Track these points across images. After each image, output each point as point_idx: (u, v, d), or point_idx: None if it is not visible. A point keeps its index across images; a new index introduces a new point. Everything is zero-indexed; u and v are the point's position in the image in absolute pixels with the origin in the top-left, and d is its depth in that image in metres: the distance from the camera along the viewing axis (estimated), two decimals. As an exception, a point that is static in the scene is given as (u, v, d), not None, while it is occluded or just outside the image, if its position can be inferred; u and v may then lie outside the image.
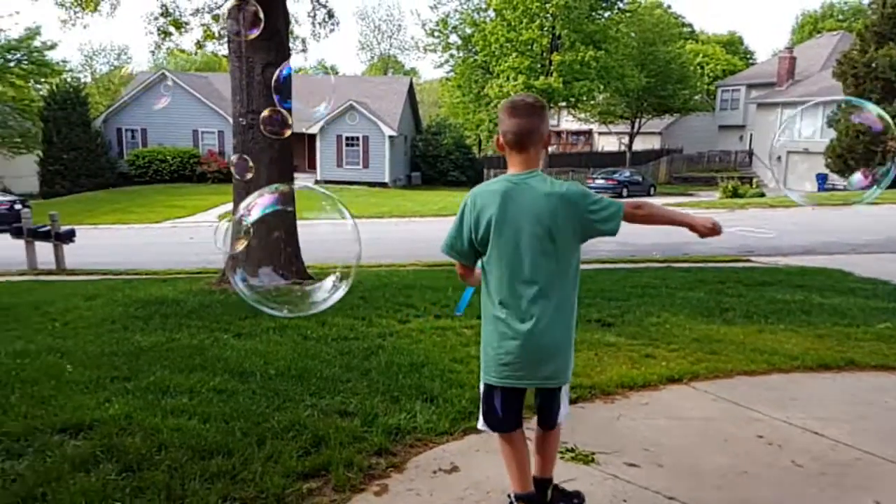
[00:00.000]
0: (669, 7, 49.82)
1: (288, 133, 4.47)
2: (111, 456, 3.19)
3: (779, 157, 38.18)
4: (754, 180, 36.76)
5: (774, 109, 38.99)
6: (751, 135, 42.96)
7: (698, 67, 49.06)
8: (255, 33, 6.85)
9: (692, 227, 2.65)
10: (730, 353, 5.15)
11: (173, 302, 7.21)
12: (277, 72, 5.29)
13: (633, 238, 14.76)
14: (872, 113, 3.37)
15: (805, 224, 19.02)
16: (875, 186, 3.41)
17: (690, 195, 33.56)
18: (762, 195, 30.50)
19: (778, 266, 10.92)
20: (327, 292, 2.63)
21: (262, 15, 4.84)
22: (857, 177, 3.72)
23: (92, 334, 5.81)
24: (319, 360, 4.86)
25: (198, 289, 8.10)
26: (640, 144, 45.26)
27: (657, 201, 29.17)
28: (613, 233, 2.54)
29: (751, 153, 42.21)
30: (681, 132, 47.75)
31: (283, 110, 4.22)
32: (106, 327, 6.11)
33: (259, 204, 2.85)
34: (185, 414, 3.73)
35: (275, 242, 8.43)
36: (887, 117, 3.21)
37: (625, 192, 31.63)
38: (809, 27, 61.43)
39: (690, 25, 59.09)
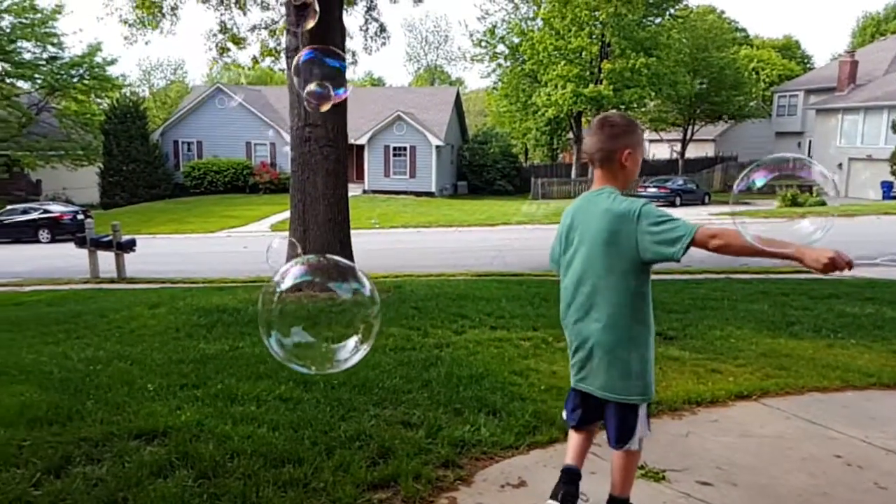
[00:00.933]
0: (723, 12, 48.75)
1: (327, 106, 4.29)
2: (186, 462, 3.26)
3: (839, 165, 36.84)
4: (814, 188, 35.51)
5: (835, 115, 37.57)
6: (809, 141, 41.53)
7: (753, 73, 47.75)
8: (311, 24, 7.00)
9: (800, 261, 2.37)
10: (800, 369, 5.00)
11: (233, 311, 7.37)
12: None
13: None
14: None
15: (869, 234, 18.40)
16: None
17: (747, 203, 32.52)
18: (823, 203, 29.45)
19: (843, 278, 10.60)
20: (350, 352, 2.64)
21: (317, 7, 4.93)
22: None
23: (158, 342, 5.98)
24: (379, 370, 4.88)
25: (255, 298, 8.24)
26: (692, 152, 44.25)
27: (711, 210, 28.73)
28: (675, 257, 2.43)
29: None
30: (735, 139, 46.49)
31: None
32: (171, 335, 6.28)
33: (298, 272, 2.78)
34: (254, 422, 3.79)
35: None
36: None
37: (678, 201, 30.94)
38: (871, 29, 59.05)
39: (744, 30, 57.59)
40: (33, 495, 2.96)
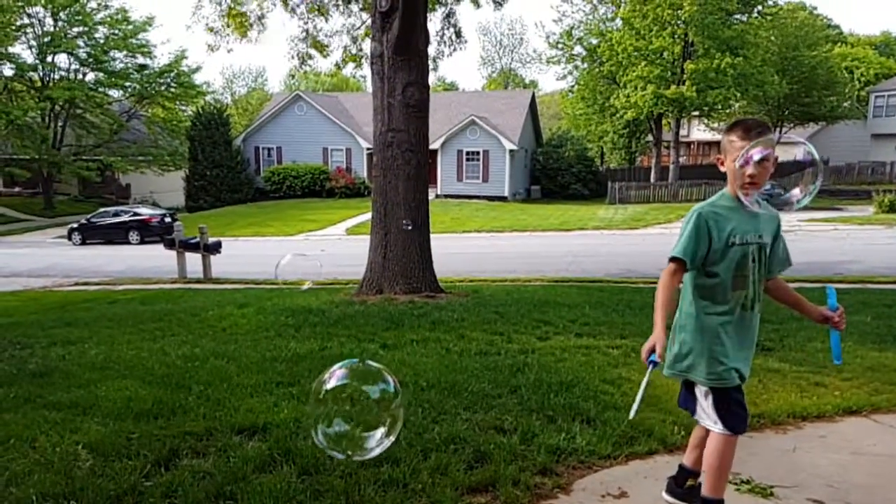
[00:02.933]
0: (815, 8, 46.40)
1: None
2: (288, 458, 3.32)
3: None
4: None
5: (939, 115, 35.44)
6: (910, 144, 39.20)
7: (847, 72, 45.27)
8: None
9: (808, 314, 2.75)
10: None
11: (318, 311, 7.52)
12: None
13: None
14: None
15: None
16: None
17: (839, 209, 30.89)
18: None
19: None
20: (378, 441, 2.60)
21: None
22: None
23: (250, 340, 6.16)
24: (467, 374, 4.85)
25: (339, 300, 8.41)
26: (781, 155, 42.32)
27: (802, 216, 27.26)
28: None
29: (910, 164, 38.47)
30: (827, 142, 44.25)
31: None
32: (262, 334, 6.46)
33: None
34: (350, 420, 3.81)
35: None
36: None
37: (763, 206, 29.61)
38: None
39: (838, 27, 54.76)
40: (145, 486, 3.06)
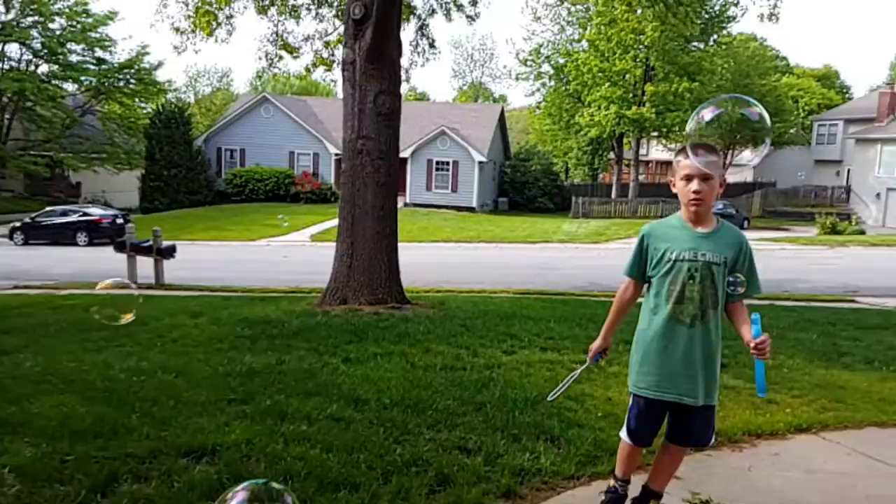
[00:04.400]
0: (764, 40, 48.17)
1: None
2: (238, 484, 3.08)
3: (878, 195, 36.32)
4: (853, 217, 34.78)
5: (874, 145, 37.70)
6: (848, 170, 41.28)
7: (793, 101, 47.37)
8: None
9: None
10: (857, 403, 4.91)
11: (277, 322, 7.24)
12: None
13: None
14: None
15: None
16: None
17: (786, 230, 32.00)
18: (863, 233, 28.80)
19: (887, 307, 10.39)
20: None
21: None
22: None
23: (202, 353, 5.85)
24: (432, 390, 4.69)
25: (300, 310, 8.14)
26: (731, 177, 43.64)
27: (752, 235, 27.93)
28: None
29: (849, 189, 40.23)
30: (774, 165, 46.02)
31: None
32: (214, 346, 6.16)
33: None
34: (306, 442, 3.62)
35: None
36: None
37: (718, 226, 30.40)
38: (910, 62, 58.50)
39: (785, 59, 57.24)
40: (78, 514, 2.80)
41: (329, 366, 5.34)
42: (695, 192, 2.71)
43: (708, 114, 2.73)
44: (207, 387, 4.68)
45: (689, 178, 2.73)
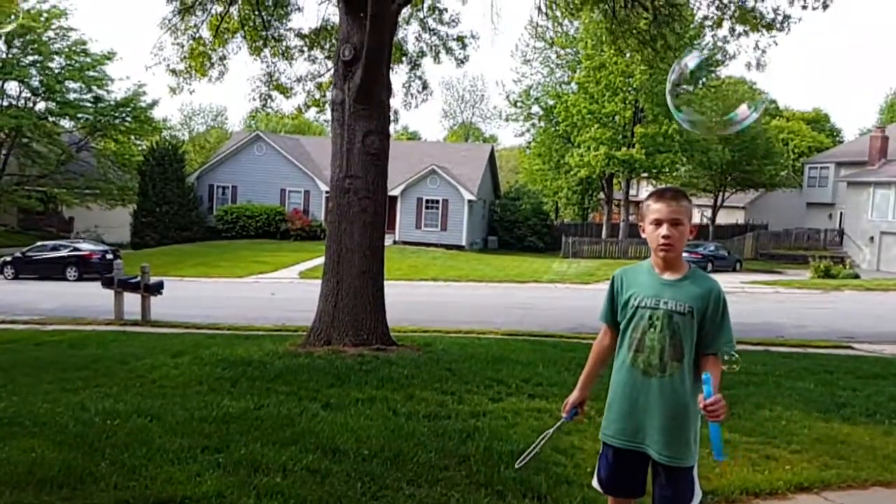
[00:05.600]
0: (754, 83, 49.13)
1: None
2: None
3: (871, 238, 36.44)
4: (847, 261, 34.86)
5: (866, 188, 37.72)
6: (841, 213, 41.33)
7: (783, 144, 47.93)
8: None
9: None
10: (860, 460, 4.68)
11: (259, 363, 7.10)
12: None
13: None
14: None
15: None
16: None
17: (778, 273, 32.00)
18: (856, 277, 28.75)
19: (884, 355, 10.25)
20: None
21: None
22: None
23: (180, 395, 5.71)
24: (413, 441, 4.54)
25: (283, 350, 8.00)
26: (723, 218, 44.03)
27: (745, 277, 28.12)
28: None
29: (841, 232, 40.37)
30: (766, 208, 46.32)
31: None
32: (193, 388, 6.02)
33: None
34: (279, 496, 3.48)
35: None
36: None
37: (709, 267, 30.34)
38: (901, 106, 59.68)
39: (775, 102, 58.05)
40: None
41: (308, 412, 5.19)
42: (664, 237, 2.63)
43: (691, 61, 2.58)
44: (182, 433, 4.54)
45: (658, 223, 2.66)
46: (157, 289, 13.52)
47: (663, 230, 2.63)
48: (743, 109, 2.79)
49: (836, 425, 5.58)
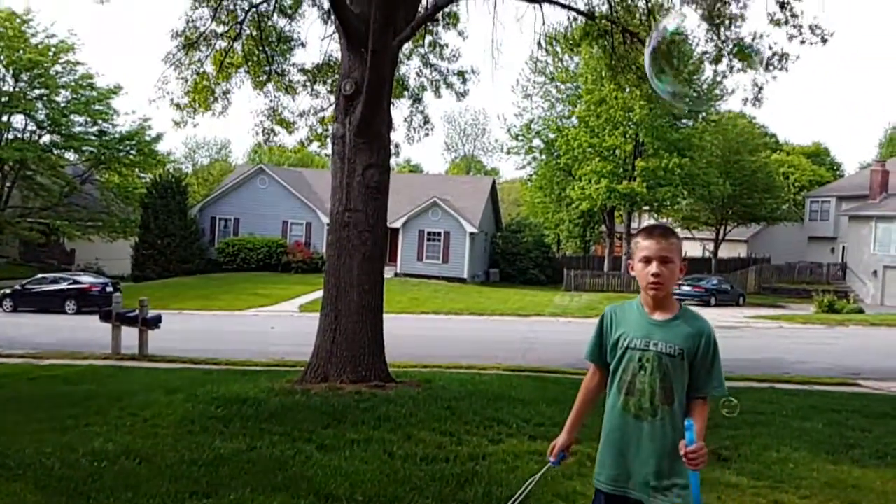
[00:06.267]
0: (754, 118, 49.54)
1: None
2: None
3: (874, 272, 36.28)
4: (851, 295, 34.64)
5: (868, 222, 37.77)
6: (843, 247, 41.26)
7: (784, 177, 48.10)
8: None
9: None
10: None
11: (254, 401, 6.95)
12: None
13: (722, 352, 13.96)
14: None
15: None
16: None
17: (782, 307, 31.78)
18: (861, 311, 28.53)
19: (892, 393, 10.14)
20: None
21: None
22: None
23: (171, 435, 5.56)
24: (409, 486, 4.40)
25: (279, 387, 7.85)
26: (725, 252, 43.90)
27: (748, 312, 27.93)
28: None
29: (844, 266, 40.23)
30: (768, 241, 46.25)
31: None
32: (186, 428, 5.87)
33: None
34: (267, 549, 3.32)
35: None
36: None
37: (712, 301, 30.13)
38: (900, 141, 60.19)
39: (774, 136, 58.45)
40: None
41: (302, 454, 5.04)
42: (654, 275, 2.55)
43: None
44: (170, 476, 4.39)
45: (647, 261, 2.59)
46: (156, 322, 13.41)
47: (653, 268, 2.57)
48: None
49: (846, 468, 5.43)
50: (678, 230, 44.96)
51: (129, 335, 13.21)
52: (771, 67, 9.99)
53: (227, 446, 5.20)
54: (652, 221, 46.20)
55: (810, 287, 35.08)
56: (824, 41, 9.75)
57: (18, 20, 31.34)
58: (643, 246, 2.61)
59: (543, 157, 38.85)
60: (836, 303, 29.00)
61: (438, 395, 7.77)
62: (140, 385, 8.60)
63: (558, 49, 24.37)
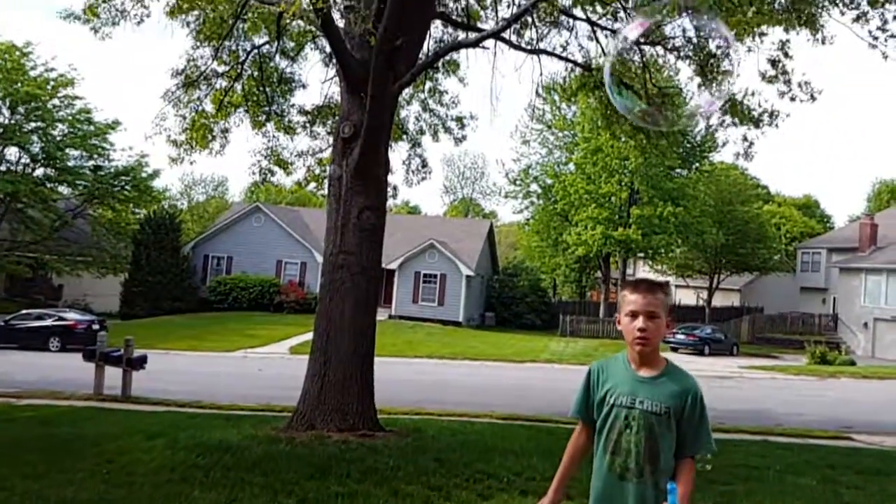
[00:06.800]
0: (746, 170, 50.37)
1: None
2: None
3: (865, 324, 36.41)
4: (842, 347, 34.62)
5: (858, 275, 38.20)
6: (834, 298, 41.58)
7: (775, 228, 48.71)
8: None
9: None
10: None
11: (237, 449, 6.70)
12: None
13: (711, 403, 13.77)
14: None
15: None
16: None
17: (775, 357, 31.74)
18: (853, 363, 28.59)
19: (884, 448, 9.95)
20: None
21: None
22: None
23: (149, 485, 5.32)
24: (395, 545, 4.18)
25: (263, 434, 7.59)
26: (718, 300, 44.03)
27: (741, 361, 27.75)
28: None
29: (836, 317, 40.39)
30: (761, 291, 46.57)
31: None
32: (164, 476, 5.62)
33: None
34: None
35: None
36: None
37: (706, 350, 29.91)
38: (887, 195, 61.65)
39: (766, 187, 59.43)
40: None
41: (283, 509, 4.83)
42: (640, 330, 2.52)
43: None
44: (142, 534, 4.16)
45: (633, 315, 2.55)
46: (140, 363, 13.10)
47: (639, 323, 2.53)
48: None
49: (845, 533, 5.23)
50: (672, 278, 45.22)
51: (114, 375, 12.90)
52: (761, 124, 10.10)
53: (206, 497, 4.97)
54: (647, 269, 46.38)
55: (802, 338, 35.16)
56: (813, 98, 9.87)
57: (18, 52, 31.47)
58: (629, 300, 2.58)
59: (541, 201, 39.25)
60: (827, 354, 29.07)
61: (428, 445, 7.53)
62: (120, 428, 8.32)
63: (556, 97, 24.78)
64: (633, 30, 5.93)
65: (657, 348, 2.58)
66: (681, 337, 29.97)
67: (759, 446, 9.31)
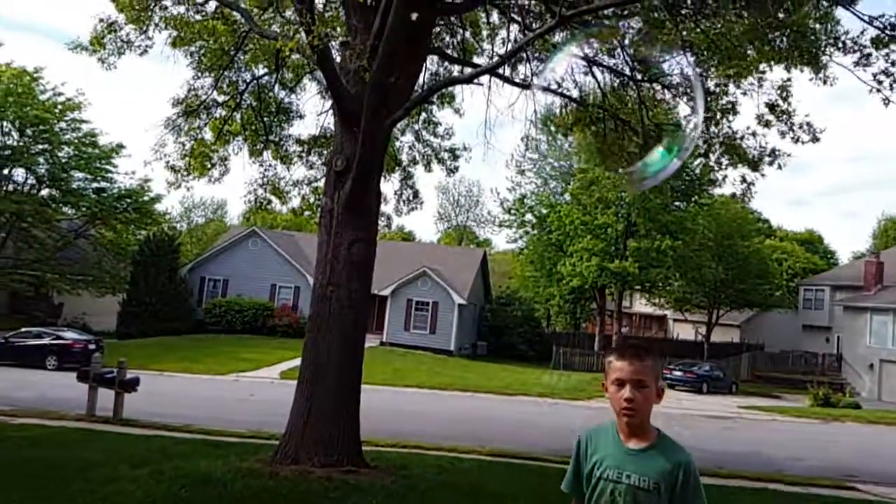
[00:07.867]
0: (746, 203, 50.07)
1: None
2: None
3: (870, 365, 35.71)
4: (847, 388, 33.98)
5: (863, 314, 37.24)
6: (838, 337, 40.60)
7: (777, 263, 48.13)
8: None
9: None
10: None
11: (220, 483, 6.68)
12: None
13: (708, 444, 13.61)
14: None
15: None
16: None
17: (776, 397, 31.12)
18: (857, 406, 27.81)
19: (892, 500, 9.70)
20: None
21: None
22: None
23: (128, 518, 5.30)
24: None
25: (247, 467, 7.55)
26: (717, 336, 43.28)
27: (741, 401, 27.29)
28: None
29: (840, 357, 39.55)
30: (761, 327, 45.72)
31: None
32: (144, 509, 5.60)
33: None
34: None
35: None
36: None
37: (704, 388, 29.38)
38: (892, 232, 60.73)
39: (767, 221, 58.82)
40: None
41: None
42: (626, 400, 2.40)
43: None
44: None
45: (620, 384, 2.44)
46: (133, 385, 13.12)
47: (626, 392, 2.42)
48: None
49: None
50: (670, 311, 44.68)
51: (107, 395, 12.91)
52: (760, 166, 10.12)
53: (183, 535, 4.95)
54: (643, 301, 45.99)
55: (804, 378, 34.17)
56: (815, 140, 9.84)
57: (28, 77, 32.07)
58: (616, 367, 2.46)
59: (535, 231, 38.95)
60: (831, 396, 28.11)
61: (413, 485, 7.47)
62: (107, 453, 8.30)
63: (552, 128, 24.87)
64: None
65: (647, 418, 2.46)
66: (678, 374, 29.52)
67: (761, 497, 9.12)
